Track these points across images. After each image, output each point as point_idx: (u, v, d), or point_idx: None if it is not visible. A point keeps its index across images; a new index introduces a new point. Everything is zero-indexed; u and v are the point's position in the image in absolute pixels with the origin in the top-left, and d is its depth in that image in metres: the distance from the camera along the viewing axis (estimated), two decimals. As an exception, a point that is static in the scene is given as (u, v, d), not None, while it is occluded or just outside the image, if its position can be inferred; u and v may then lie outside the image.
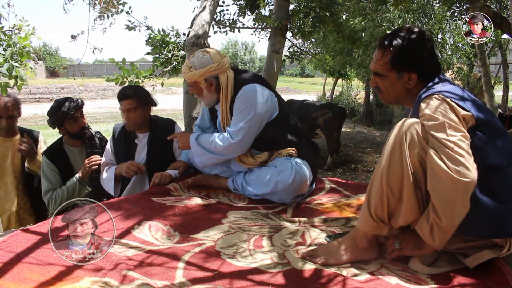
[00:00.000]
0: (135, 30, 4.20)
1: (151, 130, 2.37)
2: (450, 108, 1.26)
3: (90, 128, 2.61)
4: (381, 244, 1.40)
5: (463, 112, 1.26)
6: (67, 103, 2.46)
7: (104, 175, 2.35)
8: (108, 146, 2.43)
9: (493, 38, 7.58)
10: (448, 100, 1.27)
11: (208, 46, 3.09)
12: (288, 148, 2.00)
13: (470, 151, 1.21)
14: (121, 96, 2.31)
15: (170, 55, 3.98)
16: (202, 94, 2.06)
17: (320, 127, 6.90)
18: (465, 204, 1.19)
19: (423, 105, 1.31)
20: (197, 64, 2.00)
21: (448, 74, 7.99)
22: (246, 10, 4.44)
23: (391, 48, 1.39)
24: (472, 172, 1.17)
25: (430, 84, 1.37)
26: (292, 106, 7.09)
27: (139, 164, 2.27)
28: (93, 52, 3.78)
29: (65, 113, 2.45)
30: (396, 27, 5.77)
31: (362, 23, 5.39)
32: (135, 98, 2.29)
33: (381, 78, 1.45)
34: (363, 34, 5.44)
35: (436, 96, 1.29)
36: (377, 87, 1.49)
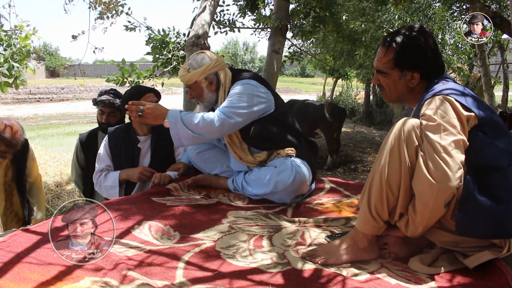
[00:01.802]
0: (134, 31, 4.22)
1: (153, 132, 2.34)
2: (452, 109, 1.25)
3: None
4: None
5: (466, 113, 1.25)
6: (103, 96, 2.59)
7: (105, 181, 2.27)
8: (102, 151, 2.33)
9: (493, 38, 7.59)
10: (452, 99, 1.26)
11: (208, 47, 3.10)
12: (287, 148, 2.00)
13: (460, 157, 1.20)
14: (143, 90, 2.28)
15: (170, 55, 3.98)
16: (202, 96, 2.05)
17: (320, 127, 6.91)
18: (437, 208, 1.21)
19: (425, 105, 1.31)
20: (195, 64, 2.02)
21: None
22: (246, 10, 4.44)
23: (394, 46, 1.39)
24: (451, 180, 1.17)
25: (433, 83, 1.37)
26: (293, 106, 7.10)
27: (151, 169, 2.22)
28: (94, 52, 3.81)
29: (96, 101, 2.60)
30: (396, 28, 5.78)
31: (363, 25, 5.39)
32: (153, 91, 2.30)
33: (383, 76, 1.45)
34: (363, 36, 5.44)
35: (439, 96, 1.29)
36: (379, 84, 1.49)
